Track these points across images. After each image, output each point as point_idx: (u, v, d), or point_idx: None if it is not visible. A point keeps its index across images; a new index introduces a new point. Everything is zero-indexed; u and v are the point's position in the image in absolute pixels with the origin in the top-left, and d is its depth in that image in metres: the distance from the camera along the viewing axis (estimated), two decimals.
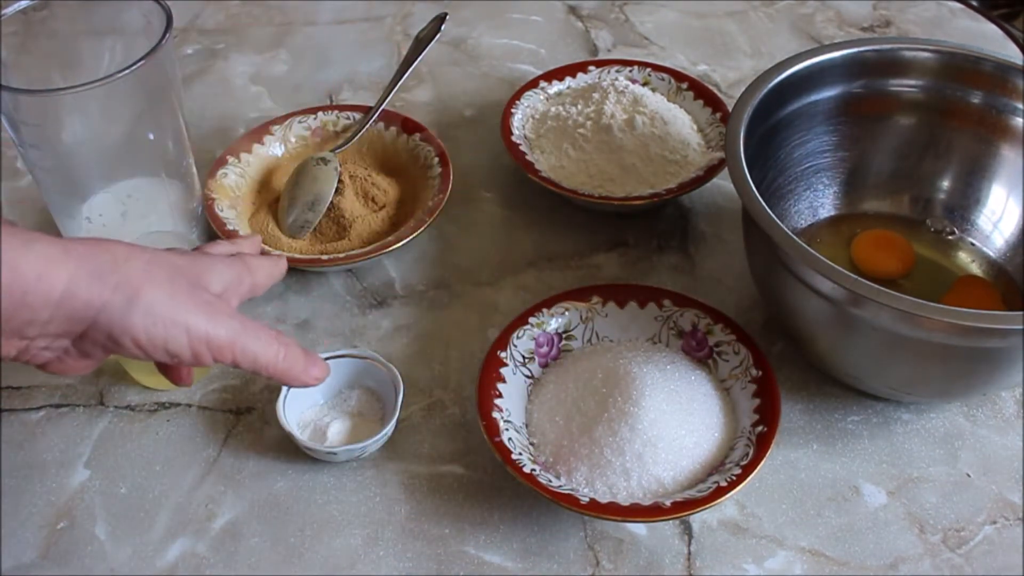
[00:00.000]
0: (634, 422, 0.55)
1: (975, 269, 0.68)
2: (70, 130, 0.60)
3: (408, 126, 0.76)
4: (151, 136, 0.64)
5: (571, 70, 0.82)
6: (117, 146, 0.64)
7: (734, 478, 0.53)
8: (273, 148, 0.76)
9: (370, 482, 0.59)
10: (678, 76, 0.81)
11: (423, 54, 0.79)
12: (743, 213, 0.62)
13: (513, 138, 0.75)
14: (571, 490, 0.54)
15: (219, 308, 0.46)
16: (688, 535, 0.56)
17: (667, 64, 0.84)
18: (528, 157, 0.74)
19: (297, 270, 0.71)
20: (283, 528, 0.56)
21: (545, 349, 0.62)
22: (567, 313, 0.64)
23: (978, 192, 0.69)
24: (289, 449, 0.60)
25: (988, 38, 0.96)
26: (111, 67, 0.61)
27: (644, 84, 0.81)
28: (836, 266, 0.52)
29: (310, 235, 0.70)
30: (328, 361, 0.61)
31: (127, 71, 0.57)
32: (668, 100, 0.79)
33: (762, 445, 0.55)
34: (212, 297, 0.46)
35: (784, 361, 0.65)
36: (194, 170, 0.69)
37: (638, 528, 0.57)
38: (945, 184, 0.71)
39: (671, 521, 0.56)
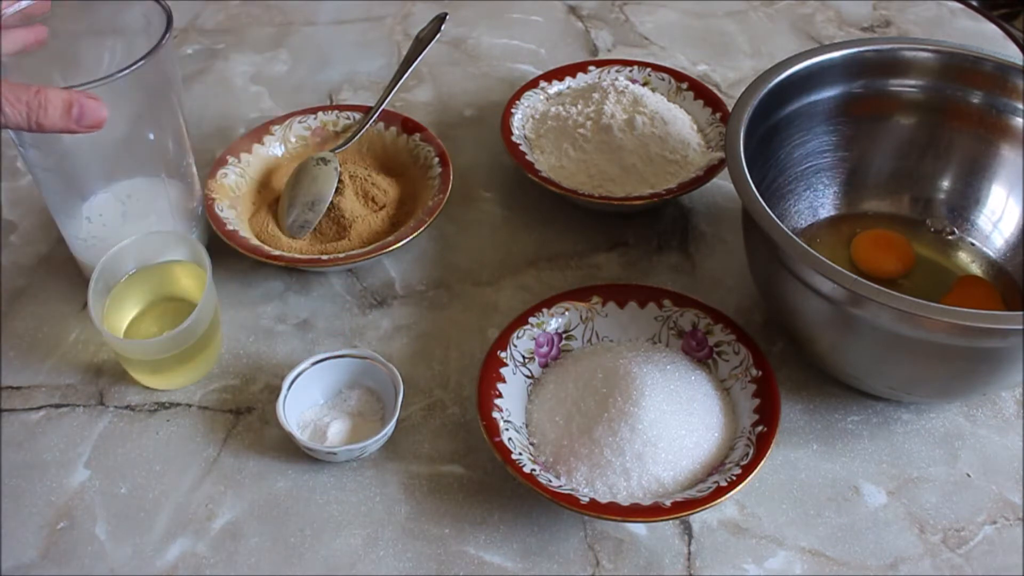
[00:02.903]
0: (634, 422, 0.55)
1: (975, 269, 0.68)
2: None
3: (408, 126, 0.76)
4: (151, 136, 0.64)
5: (571, 70, 0.82)
6: (117, 146, 0.64)
7: (734, 478, 0.53)
8: (273, 148, 0.76)
9: (370, 482, 0.59)
10: (678, 76, 0.81)
11: (423, 54, 0.79)
12: (743, 213, 0.62)
13: (513, 138, 0.75)
14: (571, 490, 0.54)
15: None
16: (688, 535, 0.56)
17: (667, 64, 0.84)
18: (528, 157, 0.74)
19: (297, 270, 0.71)
20: (283, 528, 0.56)
21: (545, 349, 0.62)
22: (567, 313, 0.64)
23: (978, 192, 0.69)
24: (289, 449, 0.60)
25: (988, 38, 0.96)
26: (111, 67, 0.61)
27: (644, 84, 0.81)
28: (836, 266, 0.52)
29: (310, 235, 0.70)
30: (328, 361, 0.61)
31: (127, 71, 0.57)
32: (668, 100, 0.79)
33: (762, 445, 0.55)
34: None
35: (784, 361, 0.65)
36: (194, 170, 0.69)
37: (638, 528, 0.57)
38: (945, 184, 0.71)
39: (671, 521, 0.56)
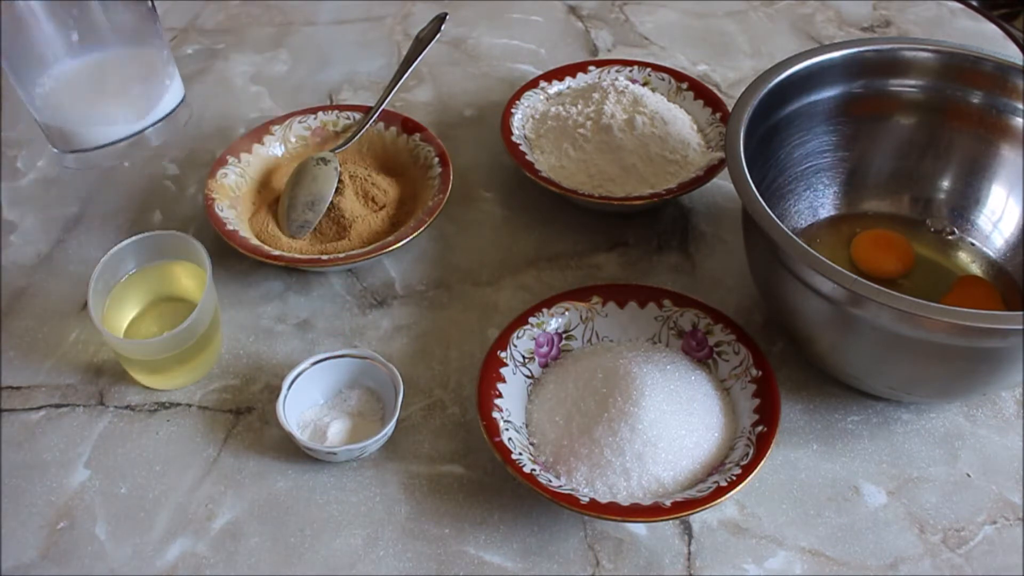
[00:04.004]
0: (634, 422, 0.55)
1: (975, 269, 0.68)
2: None
3: (408, 126, 0.76)
4: None
5: (571, 70, 0.82)
6: (80, 10, 0.63)
7: (734, 478, 0.53)
8: (273, 148, 0.76)
9: (370, 482, 0.59)
10: (678, 76, 0.81)
11: (423, 54, 0.79)
12: (743, 213, 0.62)
13: (513, 138, 0.75)
14: (571, 490, 0.54)
15: None
16: (688, 535, 0.56)
17: (667, 64, 0.84)
18: (528, 157, 0.74)
19: (297, 270, 0.71)
20: (283, 528, 0.56)
21: (545, 349, 0.62)
22: (567, 313, 0.64)
23: (978, 192, 0.69)
24: (289, 449, 0.60)
25: (988, 38, 0.96)
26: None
27: (644, 84, 0.81)
28: (836, 266, 0.52)
29: (310, 235, 0.70)
30: (328, 361, 0.61)
31: None
32: (668, 100, 0.79)
33: (762, 445, 0.55)
34: None
35: (784, 361, 0.65)
36: (164, 35, 0.68)
37: (638, 528, 0.57)
38: (945, 184, 0.71)
39: (671, 521, 0.56)
